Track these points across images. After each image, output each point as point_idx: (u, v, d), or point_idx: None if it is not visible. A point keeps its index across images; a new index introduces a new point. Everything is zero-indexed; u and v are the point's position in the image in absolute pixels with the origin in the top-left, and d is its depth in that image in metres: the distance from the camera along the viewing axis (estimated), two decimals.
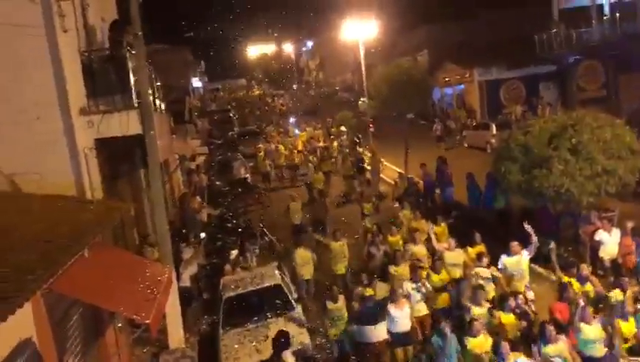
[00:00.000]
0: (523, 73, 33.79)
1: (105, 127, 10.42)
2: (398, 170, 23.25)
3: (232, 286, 12.34)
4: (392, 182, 21.33)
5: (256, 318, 11.34)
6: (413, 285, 10.68)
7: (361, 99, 46.22)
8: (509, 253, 10.87)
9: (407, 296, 10.40)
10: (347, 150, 29.81)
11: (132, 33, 11.07)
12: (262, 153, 30.36)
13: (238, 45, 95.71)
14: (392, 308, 9.99)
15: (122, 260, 9.25)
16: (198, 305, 13.48)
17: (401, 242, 13.49)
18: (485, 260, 11.04)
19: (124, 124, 10.53)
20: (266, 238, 16.96)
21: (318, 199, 20.27)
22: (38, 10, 9.59)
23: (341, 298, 10.86)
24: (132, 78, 11.00)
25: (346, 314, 10.72)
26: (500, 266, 10.91)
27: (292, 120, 46.76)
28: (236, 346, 10.71)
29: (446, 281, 11.01)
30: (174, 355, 11.05)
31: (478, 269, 10.90)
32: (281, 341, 9.31)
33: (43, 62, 9.68)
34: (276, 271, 12.81)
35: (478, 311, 9.54)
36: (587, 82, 27.09)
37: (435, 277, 11.03)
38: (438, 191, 18.93)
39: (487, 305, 9.82)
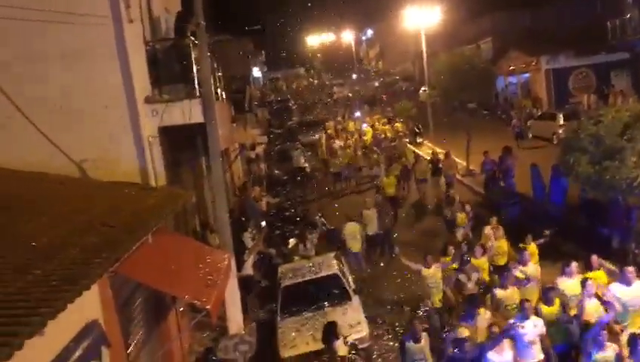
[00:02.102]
0: (593, 61, 32.29)
1: (168, 116, 10.63)
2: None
3: (290, 275, 12.42)
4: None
5: (313, 307, 11.37)
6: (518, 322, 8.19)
7: (422, 88, 45.65)
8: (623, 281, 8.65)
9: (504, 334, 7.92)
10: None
11: (195, 23, 11.22)
12: (323, 147, 29.22)
13: (297, 34, 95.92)
14: (491, 356, 7.71)
15: (184, 246, 9.44)
16: (258, 293, 13.63)
17: (486, 265, 11.42)
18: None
19: (187, 112, 10.70)
20: (325, 227, 16.94)
21: (388, 208, 16.55)
22: (105, 0, 9.83)
23: (424, 336, 8.81)
24: (195, 68, 11.18)
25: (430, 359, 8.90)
26: (614, 294, 8.51)
27: (357, 113, 43.90)
28: (293, 334, 10.80)
29: (559, 315, 8.67)
30: (233, 340, 11.16)
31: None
32: (330, 331, 9.32)
33: (110, 52, 9.95)
34: (334, 261, 12.78)
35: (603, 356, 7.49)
36: None
37: (546, 310, 8.60)
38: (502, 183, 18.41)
39: (615, 348, 7.63)
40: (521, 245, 11.06)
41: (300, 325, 10.96)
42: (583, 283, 8.67)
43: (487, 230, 12.61)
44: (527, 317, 8.14)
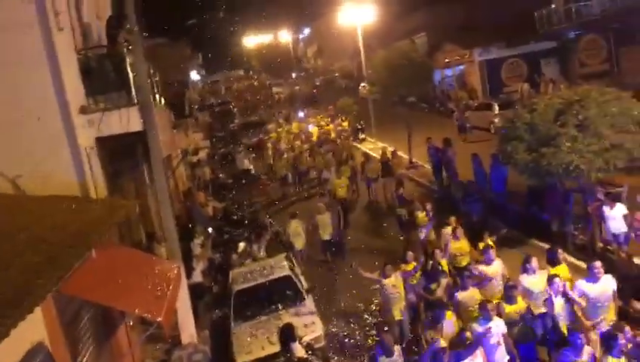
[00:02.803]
0: (523, 50, 33.47)
1: (106, 125, 10.31)
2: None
3: (242, 279, 12.31)
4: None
5: (267, 310, 11.30)
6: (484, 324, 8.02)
7: (362, 84, 46.08)
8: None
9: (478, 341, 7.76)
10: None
11: (128, 29, 10.93)
12: (270, 150, 28.78)
13: (234, 36, 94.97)
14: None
15: (130, 258, 9.18)
16: (209, 299, 13.45)
17: (446, 268, 10.95)
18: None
19: (125, 121, 10.41)
20: (272, 229, 16.88)
21: (340, 211, 16.26)
22: (32, 8, 9.45)
23: (397, 349, 8.44)
24: (131, 75, 10.89)
25: None
26: (582, 291, 8.41)
27: (300, 114, 43.04)
28: (248, 339, 10.71)
29: (523, 313, 8.56)
30: (187, 350, 11.01)
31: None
32: (287, 334, 9.29)
33: (40, 61, 9.53)
34: (285, 262, 12.75)
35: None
36: (589, 57, 26.85)
37: (509, 309, 8.57)
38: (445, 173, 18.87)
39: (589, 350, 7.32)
40: (481, 244, 10.87)
41: (254, 329, 10.88)
42: (550, 279, 8.55)
43: (447, 230, 12.10)
44: (490, 319, 8.04)
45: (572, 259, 12.17)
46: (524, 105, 12.75)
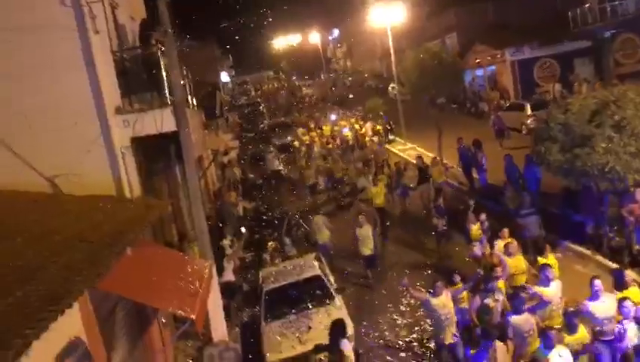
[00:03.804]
0: (556, 50, 32.79)
1: (140, 126, 10.47)
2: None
3: (272, 279, 12.39)
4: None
5: (297, 309, 11.35)
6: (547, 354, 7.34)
7: (391, 85, 45.90)
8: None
9: None
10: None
11: (162, 31, 11.11)
12: (302, 153, 28.09)
13: (264, 37, 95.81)
14: None
15: (164, 257, 9.34)
16: (239, 298, 13.58)
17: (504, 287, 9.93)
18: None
19: (159, 121, 10.55)
20: (302, 229, 16.96)
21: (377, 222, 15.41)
22: (70, 12, 9.65)
23: None
24: (164, 76, 11.07)
25: None
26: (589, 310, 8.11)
27: (333, 116, 40.14)
28: (278, 337, 10.76)
29: (586, 342, 7.89)
30: (218, 348, 11.13)
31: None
32: (338, 329, 9.23)
33: (77, 64, 9.74)
34: (315, 262, 12.80)
35: None
36: (624, 56, 26.25)
37: (569, 339, 7.84)
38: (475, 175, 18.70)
39: None
40: (540, 258, 10.10)
41: (284, 328, 10.93)
42: (620, 303, 7.79)
43: (500, 245, 11.03)
44: (552, 347, 7.27)
45: (607, 262, 11.99)
46: (559, 106, 12.54)
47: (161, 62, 11.14)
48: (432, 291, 9.34)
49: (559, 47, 32.55)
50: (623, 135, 10.99)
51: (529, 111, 26.05)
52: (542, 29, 32.25)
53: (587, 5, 29.83)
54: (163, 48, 11.07)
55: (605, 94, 11.89)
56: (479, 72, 39.44)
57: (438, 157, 20.07)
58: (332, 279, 12.59)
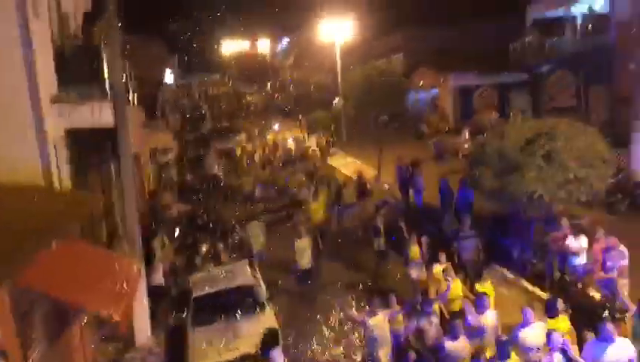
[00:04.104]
0: (496, 80, 34.19)
1: (77, 118, 10.18)
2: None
3: (202, 284, 12.17)
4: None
5: (226, 317, 11.16)
6: None
7: (335, 99, 46.31)
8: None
9: None
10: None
11: (107, 23, 10.82)
12: (243, 161, 27.45)
13: (211, 40, 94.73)
14: None
15: (90, 254, 9.00)
16: (167, 302, 13.25)
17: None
18: None
19: (97, 114, 10.30)
20: (237, 236, 16.74)
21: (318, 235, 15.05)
22: None
23: None
24: (105, 69, 10.77)
25: None
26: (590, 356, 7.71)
27: (277, 126, 39.40)
28: (205, 345, 10.55)
29: None
30: (140, 352, 10.84)
31: None
32: (270, 338, 9.10)
33: (14, 46, 9.33)
34: (247, 269, 12.66)
35: None
36: (558, 92, 27.53)
37: None
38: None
39: None
40: (477, 285, 10.03)
41: (212, 336, 10.72)
42: (548, 334, 7.73)
43: (437, 269, 10.90)
44: None
45: (531, 287, 12.45)
46: (495, 132, 12.99)
47: (103, 55, 10.85)
48: (368, 311, 9.23)
49: (498, 78, 33.91)
50: (552, 165, 11.48)
51: (466, 136, 26.90)
52: (484, 59, 33.51)
53: (527, 39, 31.17)
54: (106, 41, 10.80)
55: (539, 125, 12.42)
56: (422, 94, 40.41)
57: (377, 174, 20.29)
58: (264, 287, 12.46)
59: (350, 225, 17.78)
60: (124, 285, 8.00)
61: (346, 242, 16.85)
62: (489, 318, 8.86)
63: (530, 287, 12.50)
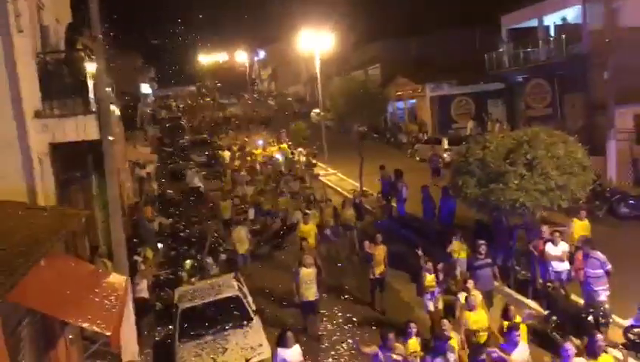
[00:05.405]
0: (473, 90, 34.79)
1: (61, 132, 10.07)
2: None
3: (189, 297, 12.08)
4: None
5: (213, 330, 11.09)
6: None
7: (314, 110, 46.43)
8: None
9: None
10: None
11: (90, 36, 10.79)
12: (227, 177, 25.23)
13: (189, 52, 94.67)
14: None
15: (78, 270, 8.91)
16: (152, 317, 13.14)
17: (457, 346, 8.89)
18: None
19: (81, 129, 10.20)
20: (221, 249, 16.63)
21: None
22: None
23: None
24: (90, 82, 10.72)
25: None
26: None
27: (260, 141, 35.93)
28: (193, 358, 10.46)
29: None
30: None
31: None
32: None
33: None
34: (234, 282, 12.61)
35: None
36: (534, 100, 27.99)
37: None
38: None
39: None
40: (505, 323, 8.85)
41: (199, 349, 10.63)
42: None
43: (462, 297, 9.97)
44: None
45: (515, 295, 12.61)
46: (477, 142, 13.18)
47: (86, 68, 10.79)
48: (382, 345, 8.39)
49: (475, 87, 34.53)
50: (534, 173, 11.71)
51: (446, 146, 27.24)
52: (461, 69, 34.07)
53: (501, 50, 31.79)
54: (89, 54, 10.76)
55: (519, 134, 12.65)
56: (400, 105, 40.83)
57: (360, 188, 20.16)
58: (250, 300, 12.42)
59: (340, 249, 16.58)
60: (114, 300, 7.93)
61: (339, 269, 15.71)
62: (520, 356, 8.09)
63: (514, 294, 12.67)
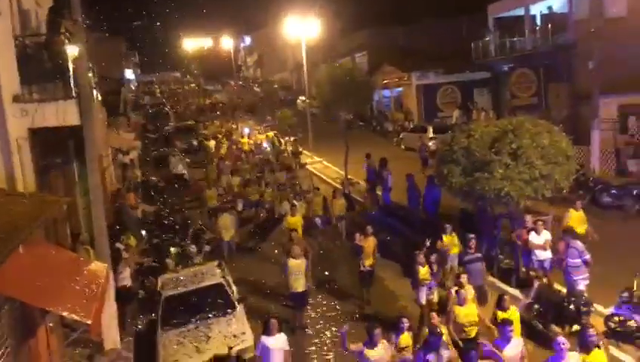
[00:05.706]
0: (459, 78, 34.80)
1: (40, 117, 9.89)
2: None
3: (172, 285, 11.99)
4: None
5: (196, 318, 11.02)
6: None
7: (300, 98, 46.24)
8: None
9: None
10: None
11: (71, 19, 10.56)
12: (213, 165, 24.83)
13: (173, 37, 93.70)
14: None
15: (58, 257, 8.76)
16: (135, 305, 13.03)
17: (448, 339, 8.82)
18: None
19: (62, 113, 10.03)
20: (205, 237, 16.52)
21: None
22: None
23: None
24: (70, 67, 10.51)
25: None
26: None
27: (247, 130, 35.37)
28: (175, 346, 10.39)
29: None
30: (109, 357, 10.64)
31: None
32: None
33: None
34: (217, 270, 12.53)
35: None
36: (519, 90, 28.06)
37: None
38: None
39: None
40: (499, 313, 8.79)
41: (182, 337, 10.55)
42: None
43: (453, 291, 9.63)
44: None
45: (498, 283, 12.68)
46: (462, 130, 13.17)
47: (67, 52, 10.58)
48: (368, 341, 8.14)
49: (461, 76, 34.55)
50: (519, 162, 11.73)
51: (431, 134, 27.26)
52: (447, 57, 34.05)
53: (487, 39, 31.79)
54: (70, 38, 10.54)
55: (505, 123, 12.66)
56: (386, 93, 40.78)
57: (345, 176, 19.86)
58: (235, 288, 12.36)
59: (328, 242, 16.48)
60: (94, 288, 7.82)
61: (329, 261, 15.31)
62: (512, 350, 7.88)
63: (497, 283, 12.74)
